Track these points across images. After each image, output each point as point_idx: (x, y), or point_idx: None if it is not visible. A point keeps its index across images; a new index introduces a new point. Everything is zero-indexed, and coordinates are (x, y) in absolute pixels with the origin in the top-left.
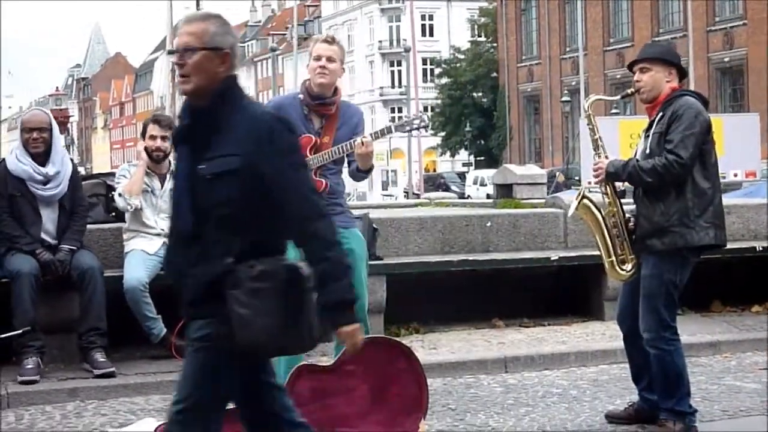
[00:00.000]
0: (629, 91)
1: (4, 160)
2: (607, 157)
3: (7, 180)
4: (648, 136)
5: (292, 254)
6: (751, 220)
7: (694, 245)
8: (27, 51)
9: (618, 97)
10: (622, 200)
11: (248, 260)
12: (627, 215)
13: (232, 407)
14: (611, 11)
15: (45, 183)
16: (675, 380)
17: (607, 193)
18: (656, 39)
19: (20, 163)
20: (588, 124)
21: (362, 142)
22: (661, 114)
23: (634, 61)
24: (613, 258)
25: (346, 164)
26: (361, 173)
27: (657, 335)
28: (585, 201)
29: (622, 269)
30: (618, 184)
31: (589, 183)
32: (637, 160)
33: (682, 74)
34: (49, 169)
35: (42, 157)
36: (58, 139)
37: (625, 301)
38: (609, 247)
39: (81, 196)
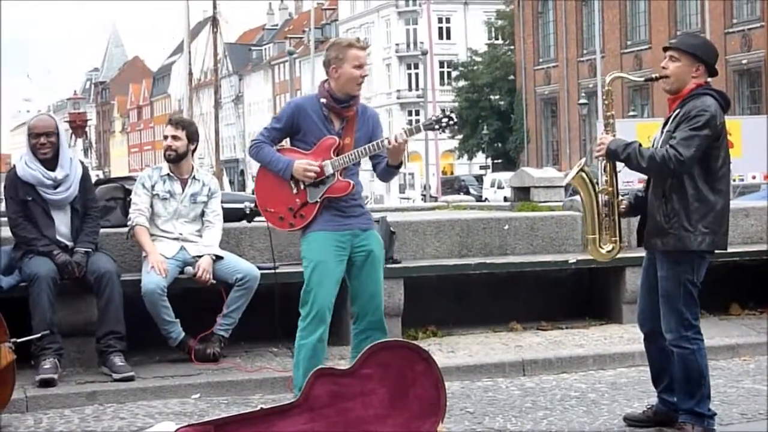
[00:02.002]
0: (654, 75)
1: (14, 165)
2: (614, 136)
3: (17, 185)
4: (663, 132)
5: None
6: None
7: (690, 250)
8: (46, 55)
9: (642, 78)
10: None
11: None
12: (621, 197)
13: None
14: (628, 13)
15: (55, 187)
16: (697, 380)
17: (605, 171)
18: (672, 41)
19: (29, 169)
20: (605, 100)
21: (396, 138)
22: (677, 111)
23: (667, 46)
24: (596, 236)
25: (370, 165)
26: (391, 169)
27: (679, 335)
28: (582, 174)
29: (602, 248)
30: (618, 165)
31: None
32: (640, 145)
33: (712, 73)
34: (58, 173)
35: (50, 161)
36: (66, 143)
37: (644, 302)
38: (595, 224)
39: (93, 198)
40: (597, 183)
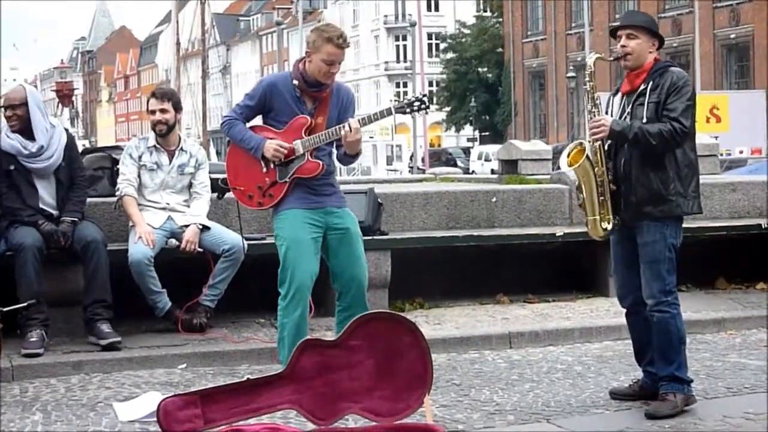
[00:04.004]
0: (615, 55)
1: None
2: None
3: (0, 156)
4: (642, 104)
5: None
6: (756, 197)
7: (687, 213)
8: (32, 24)
9: (612, 58)
10: None
11: None
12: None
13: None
14: None
15: (35, 156)
16: (677, 346)
17: (597, 152)
18: (662, 15)
19: (8, 139)
20: (589, 81)
21: (350, 128)
22: (652, 83)
23: (621, 26)
24: (597, 216)
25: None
26: (348, 158)
27: (660, 299)
28: (586, 162)
29: (603, 227)
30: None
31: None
32: (641, 124)
33: (661, 45)
34: (33, 146)
35: (25, 132)
36: (37, 113)
37: (623, 276)
38: (595, 205)
39: (79, 167)
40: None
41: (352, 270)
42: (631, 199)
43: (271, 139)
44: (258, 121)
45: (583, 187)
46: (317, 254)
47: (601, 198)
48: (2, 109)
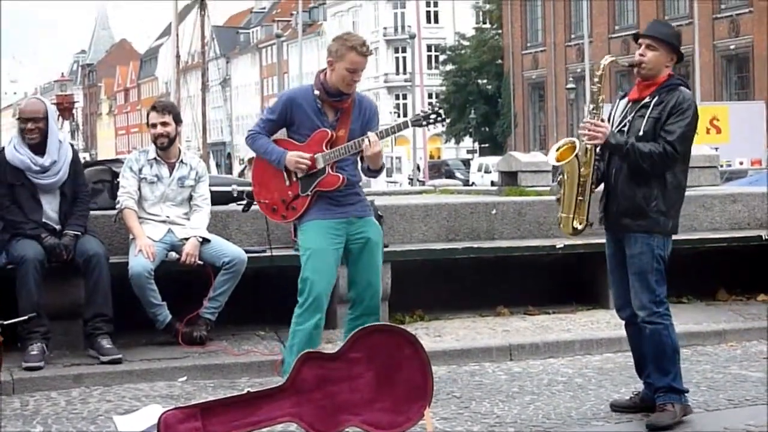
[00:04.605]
0: (631, 61)
1: (3, 148)
2: (603, 121)
3: (6, 169)
4: (642, 116)
5: None
6: (757, 208)
7: (662, 232)
8: (32, 36)
9: (627, 64)
10: None
11: None
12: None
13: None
14: None
15: (43, 172)
16: (671, 356)
17: (587, 152)
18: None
19: (17, 153)
20: (597, 82)
21: (369, 143)
22: (657, 98)
23: (644, 35)
24: (571, 215)
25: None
26: (371, 172)
27: (652, 311)
28: (575, 161)
29: (574, 226)
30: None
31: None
32: (634, 141)
33: (680, 61)
34: (46, 160)
35: (39, 146)
36: (55, 128)
37: (619, 289)
38: (572, 204)
39: (83, 182)
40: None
41: (370, 276)
42: (612, 208)
43: (293, 151)
44: (282, 133)
45: (565, 183)
46: (337, 265)
47: (580, 198)
48: (18, 121)
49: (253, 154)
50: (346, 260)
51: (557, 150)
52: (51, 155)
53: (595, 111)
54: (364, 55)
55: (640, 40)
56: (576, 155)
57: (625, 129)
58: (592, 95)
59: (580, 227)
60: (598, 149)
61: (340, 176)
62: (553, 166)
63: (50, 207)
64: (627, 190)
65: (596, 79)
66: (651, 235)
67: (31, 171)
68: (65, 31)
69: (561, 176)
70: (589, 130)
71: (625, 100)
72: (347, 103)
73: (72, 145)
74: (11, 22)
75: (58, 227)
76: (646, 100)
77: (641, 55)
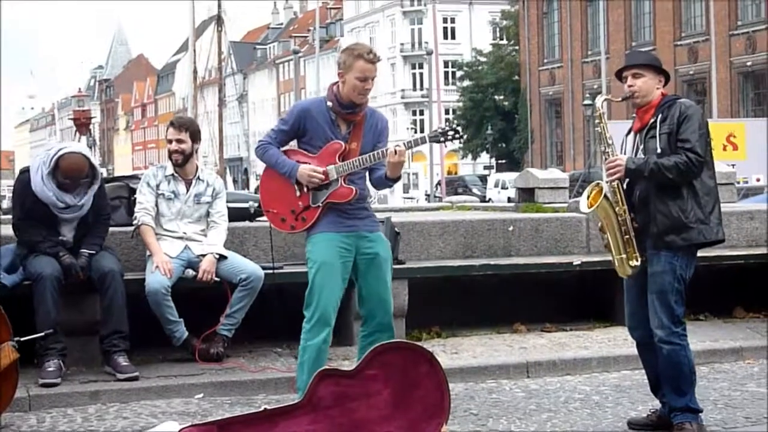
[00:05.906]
0: (624, 95)
1: (28, 169)
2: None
3: (28, 191)
4: (654, 136)
5: None
6: None
7: (710, 241)
8: (49, 52)
9: (620, 99)
10: None
11: None
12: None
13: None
14: (633, 14)
15: (66, 208)
16: (687, 376)
17: (616, 191)
18: (678, 43)
19: (45, 188)
20: (599, 122)
21: (395, 151)
22: (661, 116)
23: (626, 67)
24: (624, 255)
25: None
26: (387, 181)
27: (670, 331)
28: (604, 202)
29: (630, 266)
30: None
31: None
32: (655, 158)
33: (667, 80)
34: (72, 200)
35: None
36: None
37: (633, 308)
38: (619, 244)
39: (104, 205)
40: (614, 204)
41: (380, 292)
42: (652, 230)
43: (305, 164)
44: (292, 144)
45: (606, 227)
46: (345, 279)
47: (626, 237)
48: (54, 169)
49: None
50: (355, 276)
51: (587, 198)
52: (79, 195)
53: (608, 150)
54: (372, 62)
55: (624, 73)
56: (605, 195)
57: (642, 156)
58: (599, 137)
59: (637, 264)
60: (624, 184)
61: (353, 189)
62: (570, 182)
63: (68, 230)
64: (661, 207)
65: (597, 120)
66: (675, 254)
67: (57, 208)
68: (83, 46)
69: (600, 223)
70: (608, 169)
71: (632, 134)
72: (360, 116)
73: (101, 174)
74: (30, 39)
75: (73, 245)
76: (651, 121)
77: (630, 86)
